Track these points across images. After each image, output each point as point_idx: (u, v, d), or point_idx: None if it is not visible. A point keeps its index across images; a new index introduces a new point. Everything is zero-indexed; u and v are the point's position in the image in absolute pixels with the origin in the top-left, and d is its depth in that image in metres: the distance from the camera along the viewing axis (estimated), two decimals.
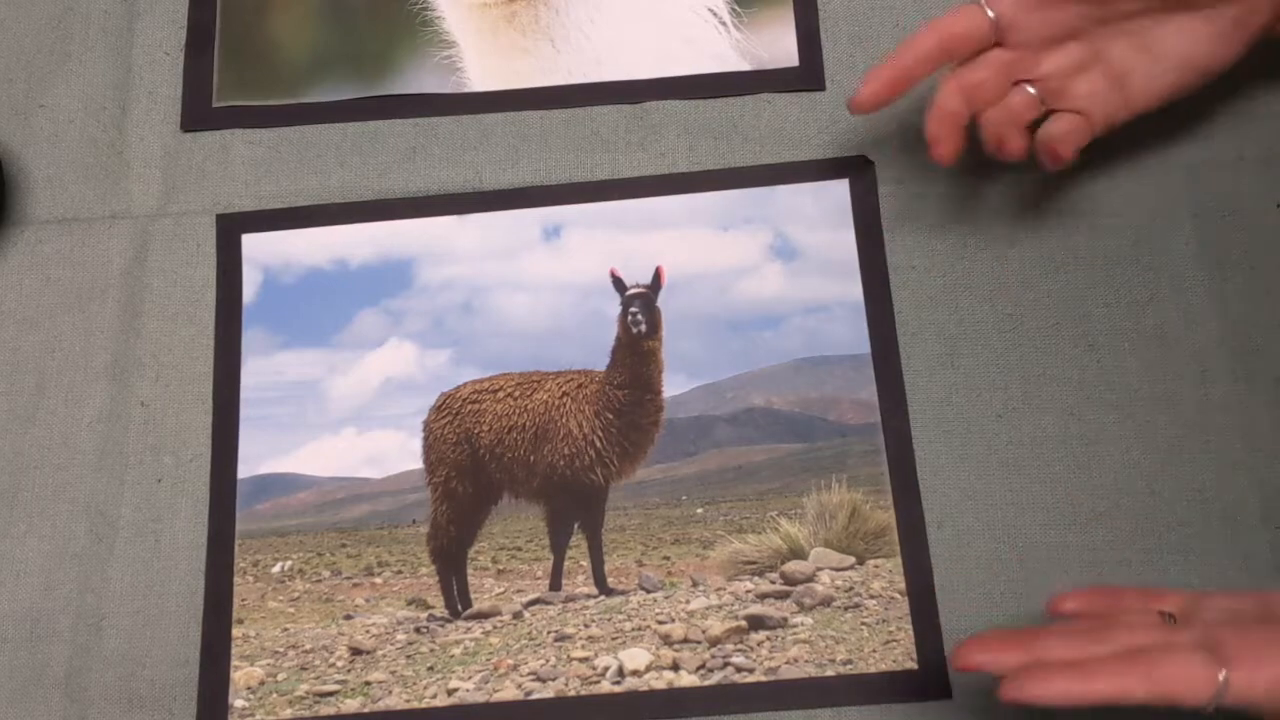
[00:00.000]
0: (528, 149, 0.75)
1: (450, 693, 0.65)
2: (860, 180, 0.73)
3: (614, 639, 0.65)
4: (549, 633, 0.66)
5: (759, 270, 0.72)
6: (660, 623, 0.66)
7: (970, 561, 0.66)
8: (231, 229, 0.74)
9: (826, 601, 0.65)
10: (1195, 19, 0.63)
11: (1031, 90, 0.65)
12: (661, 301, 0.72)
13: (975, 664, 0.53)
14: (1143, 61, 0.64)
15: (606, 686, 0.64)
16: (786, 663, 0.64)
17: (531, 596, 0.67)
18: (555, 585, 0.67)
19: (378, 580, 0.68)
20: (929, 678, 0.63)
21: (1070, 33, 0.64)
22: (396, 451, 0.70)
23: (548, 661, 0.65)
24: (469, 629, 0.67)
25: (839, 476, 0.68)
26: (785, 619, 0.65)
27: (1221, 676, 0.48)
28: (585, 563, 0.68)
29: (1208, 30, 0.64)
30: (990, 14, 0.63)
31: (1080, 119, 0.65)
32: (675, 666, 0.64)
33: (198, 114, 0.77)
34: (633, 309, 0.71)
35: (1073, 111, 0.65)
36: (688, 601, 0.66)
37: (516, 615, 0.67)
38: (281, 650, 0.66)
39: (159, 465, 0.70)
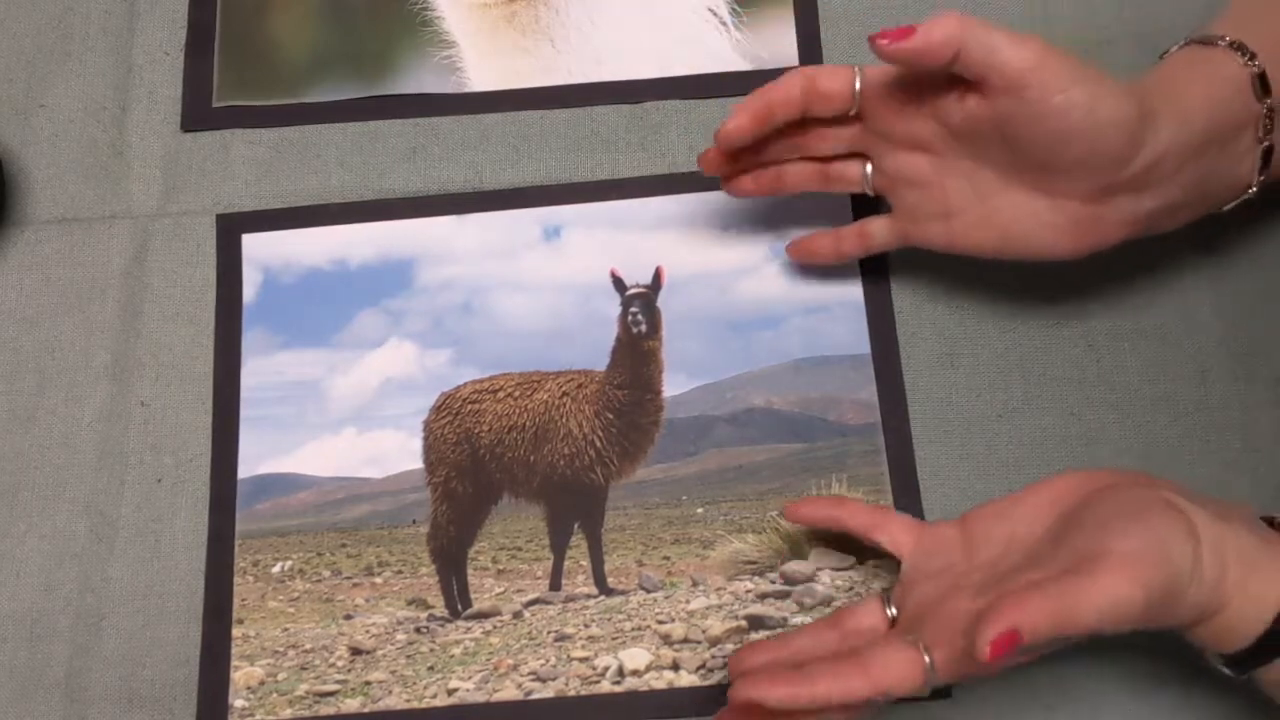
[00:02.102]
0: (528, 149, 0.75)
1: (450, 693, 0.65)
2: None
3: (614, 639, 0.65)
4: (549, 633, 0.66)
5: (759, 270, 0.72)
6: (660, 623, 0.66)
7: None
8: (231, 229, 0.74)
9: (826, 601, 0.65)
10: (1039, 200, 0.60)
11: (869, 169, 0.64)
12: (661, 301, 0.72)
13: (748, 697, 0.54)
14: (976, 210, 0.62)
15: (606, 686, 0.64)
16: None
17: (531, 596, 0.67)
18: (555, 585, 0.67)
19: (378, 580, 0.68)
20: None
21: (922, 146, 0.62)
22: (396, 451, 0.70)
23: (548, 661, 0.65)
24: (469, 629, 0.67)
25: (839, 476, 0.68)
26: (785, 619, 0.65)
27: (927, 660, 0.51)
28: (585, 563, 0.68)
29: (1047, 217, 0.60)
30: (857, 85, 0.61)
31: (893, 226, 0.65)
32: (675, 666, 0.64)
33: (198, 114, 0.77)
34: (633, 309, 0.71)
35: (893, 215, 0.65)
36: (688, 601, 0.66)
37: (516, 615, 0.67)
38: (281, 650, 0.66)
39: (159, 465, 0.70)
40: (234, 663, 0.66)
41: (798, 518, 0.63)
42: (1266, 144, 0.59)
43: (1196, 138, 0.58)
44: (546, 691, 0.65)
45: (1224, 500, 0.54)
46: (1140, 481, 0.54)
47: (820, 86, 0.61)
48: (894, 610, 0.57)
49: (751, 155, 0.65)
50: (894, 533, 0.60)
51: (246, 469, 0.70)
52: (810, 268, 0.71)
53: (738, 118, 0.62)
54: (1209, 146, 0.58)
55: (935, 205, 0.63)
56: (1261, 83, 0.58)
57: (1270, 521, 0.54)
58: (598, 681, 0.65)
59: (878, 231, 0.66)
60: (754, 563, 0.67)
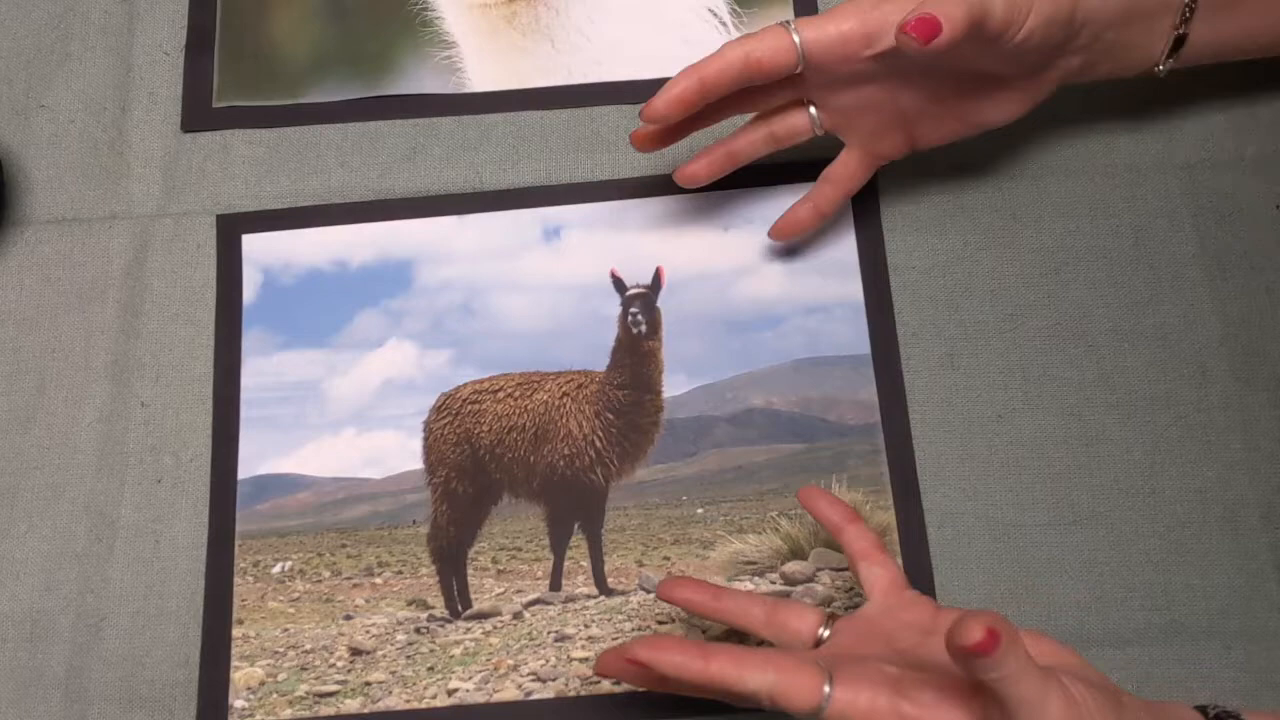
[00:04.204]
0: (528, 149, 0.75)
1: (450, 693, 0.65)
2: None
3: (614, 639, 0.65)
4: (549, 633, 0.66)
5: (759, 270, 0.72)
6: (660, 623, 0.66)
7: (970, 561, 0.66)
8: (231, 229, 0.74)
9: (827, 602, 0.65)
10: (990, 86, 0.64)
11: (814, 111, 0.65)
12: (661, 301, 0.72)
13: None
14: (933, 111, 0.65)
15: (606, 686, 0.64)
16: None
17: (531, 597, 0.67)
18: (555, 585, 0.67)
19: (378, 580, 0.68)
20: None
21: (869, 78, 0.63)
22: (396, 452, 0.70)
23: (548, 661, 0.65)
24: (469, 629, 0.67)
25: (839, 476, 0.68)
26: None
27: (826, 691, 0.50)
28: (585, 563, 0.68)
29: (999, 96, 0.65)
30: (796, 39, 0.61)
31: (857, 157, 0.67)
32: None
33: (198, 114, 0.77)
34: (633, 309, 0.71)
35: (850, 146, 0.67)
36: None
37: (516, 615, 0.67)
38: (281, 650, 0.66)
39: (159, 465, 0.70)
40: (234, 663, 0.66)
41: (809, 505, 0.62)
42: (1181, 32, 0.64)
43: (1121, 7, 0.62)
44: (546, 692, 0.65)
45: None
46: None
47: (762, 62, 0.61)
48: (827, 634, 0.56)
49: (687, 124, 0.65)
50: (876, 576, 0.58)
51: (246, 469, 0.70)
52: (811, 267, 0.71)
53: (666, 97, 0.61)
54: (1132, 19, 0.63)
55: (892, 119, 0.65)
56: None
57: None
58: (598, 682, 0.65)
59: (845, 172, 0.68)
60: (754, 563, 0.67)
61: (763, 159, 0.68)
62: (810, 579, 0.66)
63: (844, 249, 0.72)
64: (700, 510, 0.68)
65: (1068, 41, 0.62)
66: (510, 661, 0.65)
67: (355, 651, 0.66)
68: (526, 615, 0.67)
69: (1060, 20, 0.60)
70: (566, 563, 0.68)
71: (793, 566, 0.66)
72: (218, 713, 0.65)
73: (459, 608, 0.67)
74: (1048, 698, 0.47)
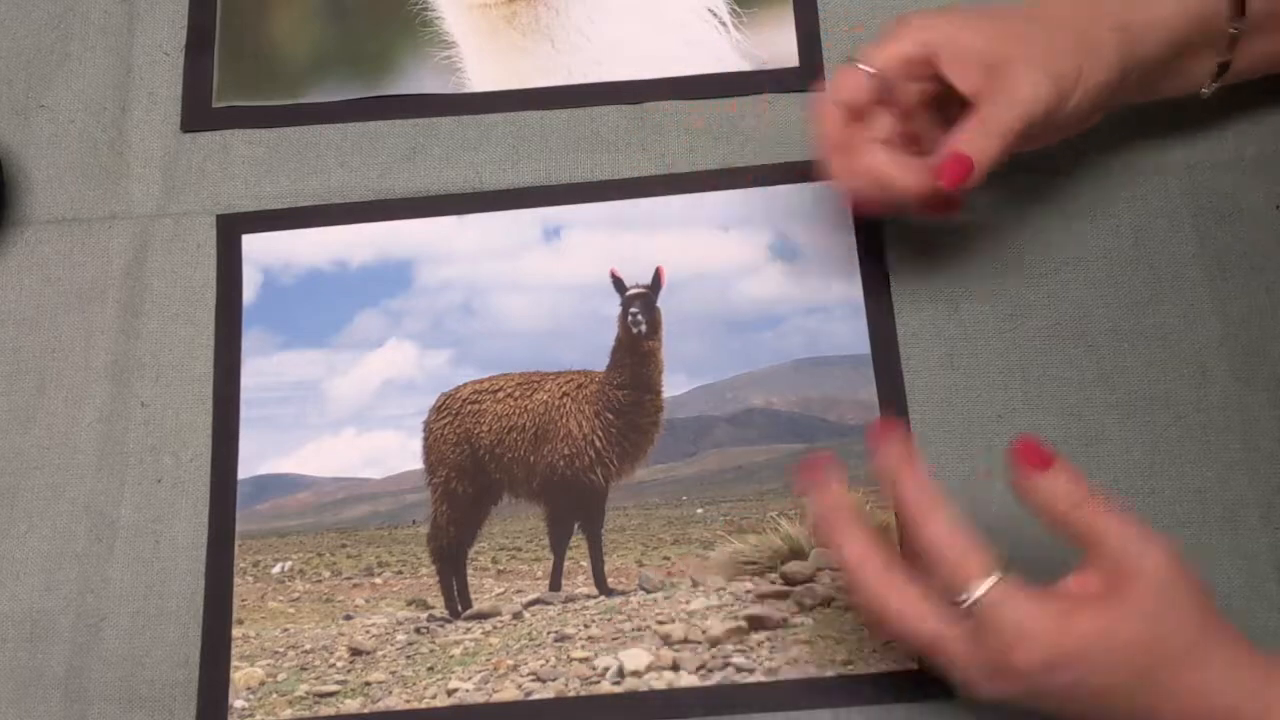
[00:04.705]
0: (528, 149, 0.75)
1: (450, 693, 0.65)
2: None
3: (614, 639, 0.65)
4: (549, 633, 0.66)
5: (759, 270, 0.72)
6: (660, 623, 0.66)
7: None
8: (231, 229, 0.74)
9: (827, 602, 0.65)
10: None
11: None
12: (661, 301, 0.72)
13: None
14: None
15: (606, 687, 0.64)
16: (787, 663, 0.64)
17: (531, 597, 0.67)
18: (555, 585, 0.67)
19: (378, 580, 0.68)
20: (929, 678, 0.63)
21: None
22: (396, 452, 0.70)
23: (548, 662, 0.65)
24: (469, 629, 0.67)
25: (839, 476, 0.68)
26: (785, 619, 0.65)
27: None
28: (585, 563, 0.68)
29: (1049, 135, 0.64)
30: (869, 70, 0.61)
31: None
32: (675, 667, 0.64)
33: (198, 114, 0.77)
34: (633, 309, 0.71)
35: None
36: (688, 602, 0.66)
37: (516, 615, 0.67)
38: (281, 650, 0.66)
39: (159, 465, 0.70)
40: (234, 663, 0.66)
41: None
42: (1225, 60, 0.64)
43: (1166, 50, 0.62)
44: (546, 692, 0.65)
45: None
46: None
47: (845, 91, 0.62)
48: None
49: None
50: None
51: (246, 469, 0.70)
52: (811, 267, 0.71)
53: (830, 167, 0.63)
54: (1178, 56, 0.63)
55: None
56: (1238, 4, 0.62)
57: None
58: (598, 682, 0.65)
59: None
60: (754, 563, 0.67)
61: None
62: (810, 579, 0.66)
63: (844, 249, 0.72)
64: (700, 510, 0.68)
65: (1118, 93, 0.63)
66: (510, 661, 0.65)
67: (355, 651, 0.66)
68: (526, 615, 0.67)
69: (1112, 82, 0.61)
70: (566, 563, 0.68)
71: (793, 566, 0.66)
72: (218, 713, 0.65)
73: (459, 608, 0.67)
74: (1148, 543, 0.51)
